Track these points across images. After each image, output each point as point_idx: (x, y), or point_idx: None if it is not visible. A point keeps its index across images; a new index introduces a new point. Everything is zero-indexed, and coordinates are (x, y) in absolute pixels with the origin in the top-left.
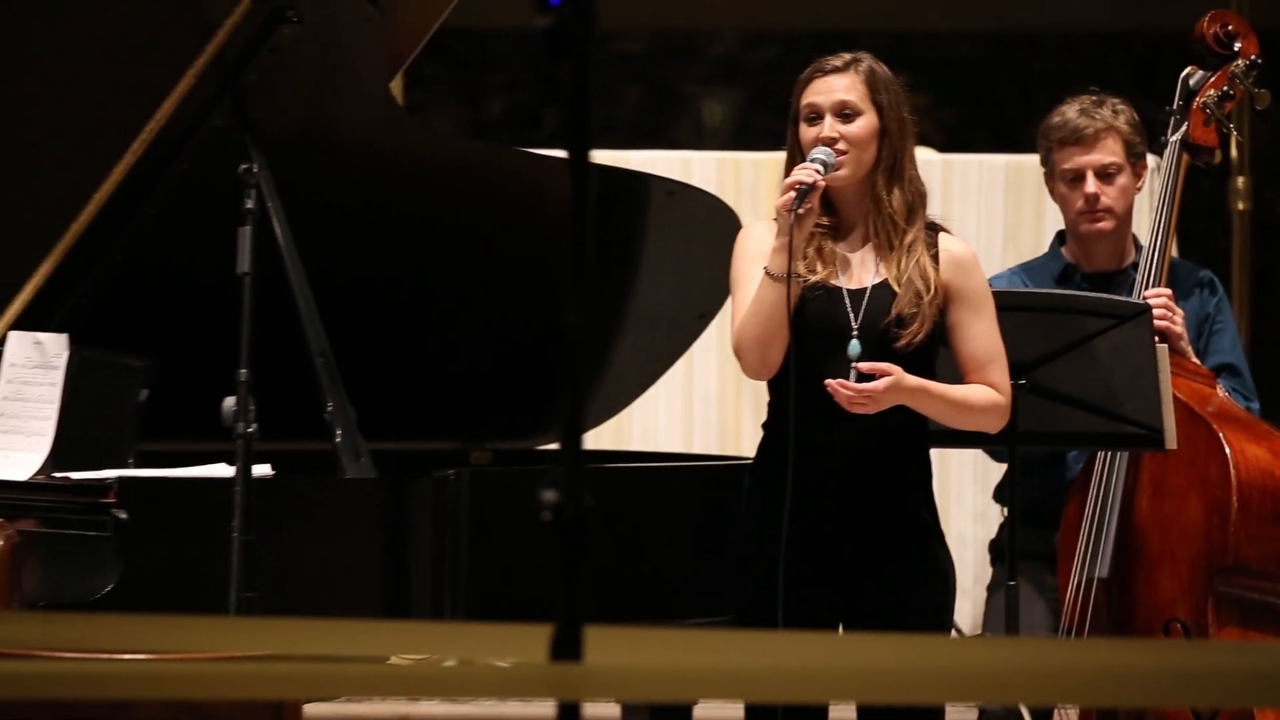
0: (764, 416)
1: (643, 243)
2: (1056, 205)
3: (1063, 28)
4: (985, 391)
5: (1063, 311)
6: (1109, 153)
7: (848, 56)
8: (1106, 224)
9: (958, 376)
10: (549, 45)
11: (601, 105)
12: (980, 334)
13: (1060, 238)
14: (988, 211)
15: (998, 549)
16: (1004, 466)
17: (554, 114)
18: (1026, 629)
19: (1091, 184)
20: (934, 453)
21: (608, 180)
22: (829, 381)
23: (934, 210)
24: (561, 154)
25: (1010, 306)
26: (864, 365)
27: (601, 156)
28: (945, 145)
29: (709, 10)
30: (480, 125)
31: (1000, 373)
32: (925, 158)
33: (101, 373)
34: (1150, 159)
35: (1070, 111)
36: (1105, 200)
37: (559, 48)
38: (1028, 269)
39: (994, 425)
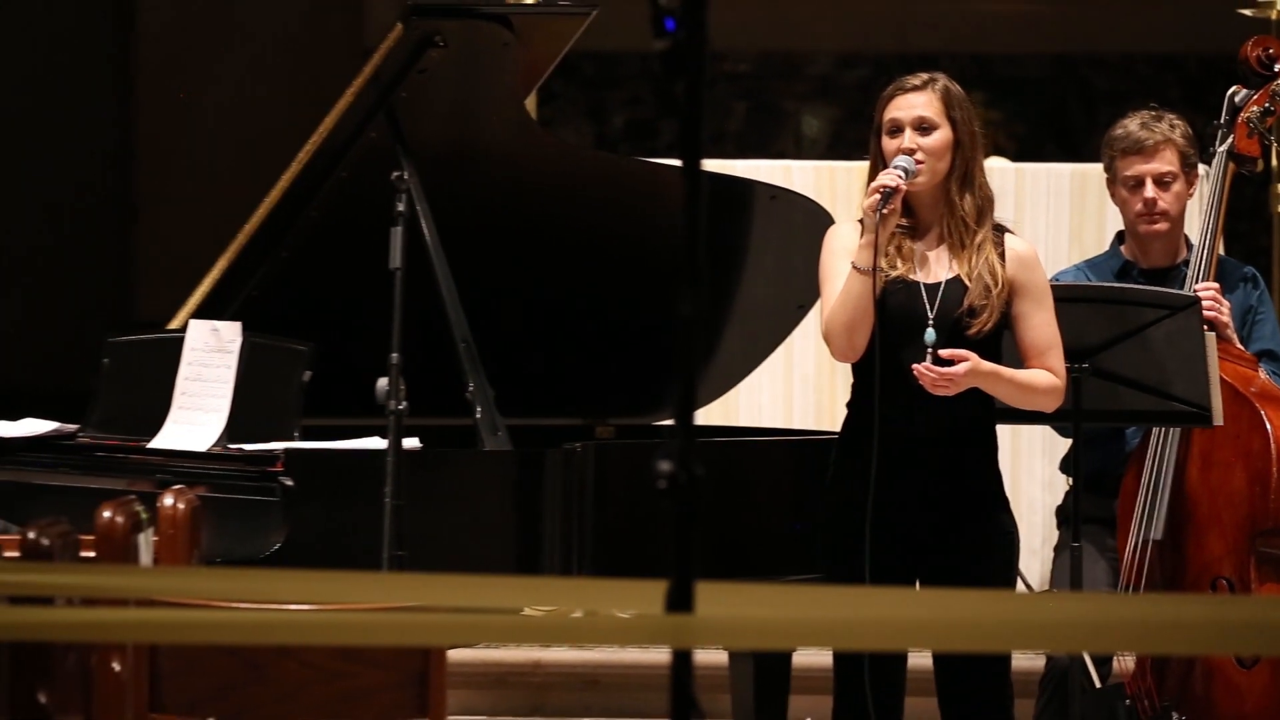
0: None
1: (748, 241)
2: (1117, 208)
3: (1122, 50)
4: (1046, 375)
5: (1122, 303)
6: (1166, 162)
7: (925, 76)
8: (1162, 225)
9: (1018, 361)
10: (666, 66)
11: (712, 119)
12: (1040, 324)
13: (1119, 237)
14: (1055, 214)
15: (1063, 514)
16: (1069, 441)
17: (670, 127)
18: (1089, 585)
19: (1150, 189)
20: (1007, 429)
21: (717, 186)
22: (916, 366)
23: (1007, 213)
24: (676, 162)
25: (1076, 299)
26: (945, 352)
27: (712, 165)
28: (1018, 155)
29: (807, 35)
30: (604, 137)
31: (1057, 359)
32: (1000, 166)
33: (270, 356)
34: (1200, 167)
35: (1132, 125)
36: (1162, 204)
37: (675, 68)
38: (1091, 265)
39: (1052, 405)
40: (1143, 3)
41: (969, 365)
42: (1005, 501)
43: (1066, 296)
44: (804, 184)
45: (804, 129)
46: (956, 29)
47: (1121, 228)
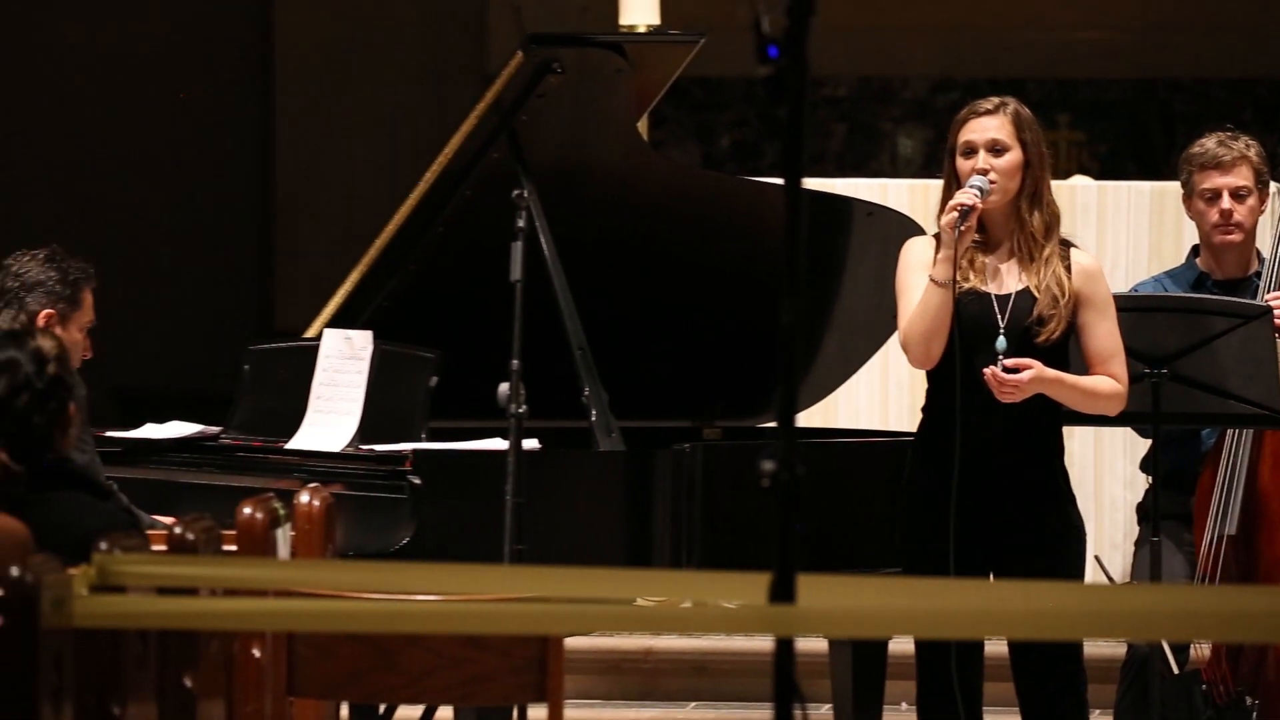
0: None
1: (846, 255)
2: (1193, 222)
3: (1198, 75)
4: (1108, 381)
5: (1198, 312)
6: (1242, 177)
7: (997, 100)
8: (1236, 236)
9: (1083, 368)
10: (769, 90)
11: (812, 140)
12: (1104, 333)
13: (1195, 250)
14: (1135, 230)
15: (1143, 510)
16: (1149, 441)
17: (773, 147)
18: (1167, 577)
19: (1226, 201)
20: (1089, 430)
21: (817, 203)
22: (987, 370)
23: (1090, 229)
24: (779, 181)
25: (1155, 308)
26: (1010, 361)
27: (812, 183)
28: (1100, 174)
29: (902, 61)
30: (711, 157)
31: (1120, 366)
32: (1083, 184)
33: (399, 363)
34: (1272, 185)
35: (1210, 142)
36: (1237, 216)
37: (778, 92)
38: (1169, 276)
39: (1115, 409)
40: (1217, 30)
41: (1033, 373)
42: (1072, 497)
43: (1146, 306)
44: (899, 201)
45: (899, 149)
46: (1043, 55)
47: (1197, 241)
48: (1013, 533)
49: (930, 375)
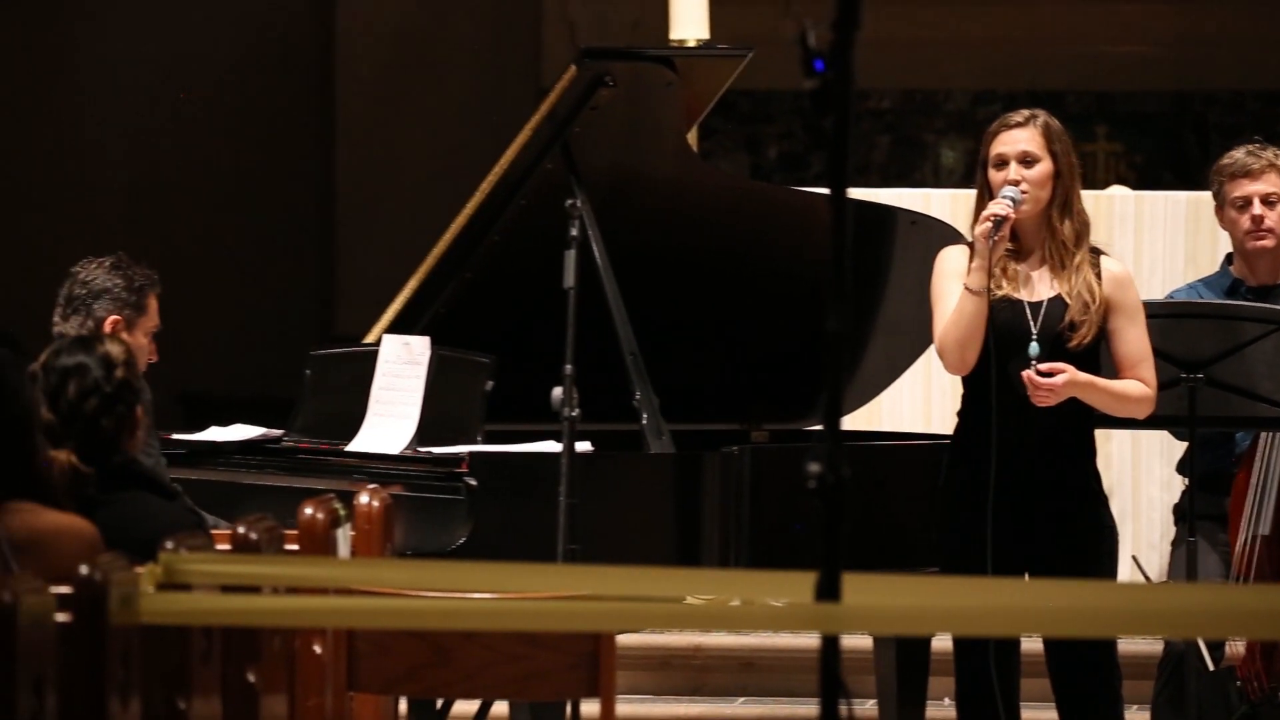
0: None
1: (890, 262)
2: (1226, 231)
3: (1233, 88)
4: (1138, 385)
5: (1232, 319)
6: (1271, 184)
7: (1027, 113)
8: (1269, 241)
9: (1113, 372)
10: (815, 103)
11: (857, 151)
12: (1133, 339)
13: (1229, 258)
14: (1171, 238)
15: (1179, 511)
16: (1185, 444)
17: (819, 158)
18: (1203, 576)
19: (1257, 208)
20: (1127, 434)
21: (862, 212)
22: (1024, 372)
23: (1128, 238)
24: (825, 191)
25: (1190, 314)
26: (1044, 366)
27: (857, 193)
28: (1138, 184)
29: (944, 75)
30: (759, 168)
31: (1149, 370)
32: (1120, 194)
33: (455, 368)
34: None
35: (1239, 153)
36: (1268, 222)
37: (823, 105)
38: (1204, 283)
39: (1144, 412)
40: (1251, 45)
41: (1067, 376)
42: (1104, 499)
43: (1182, 313)
44: (941, 210)
45: (941, 160)
46: (1081, 69)
47: (1230, 250)
48: (1046, 533)
49: (965, 381)
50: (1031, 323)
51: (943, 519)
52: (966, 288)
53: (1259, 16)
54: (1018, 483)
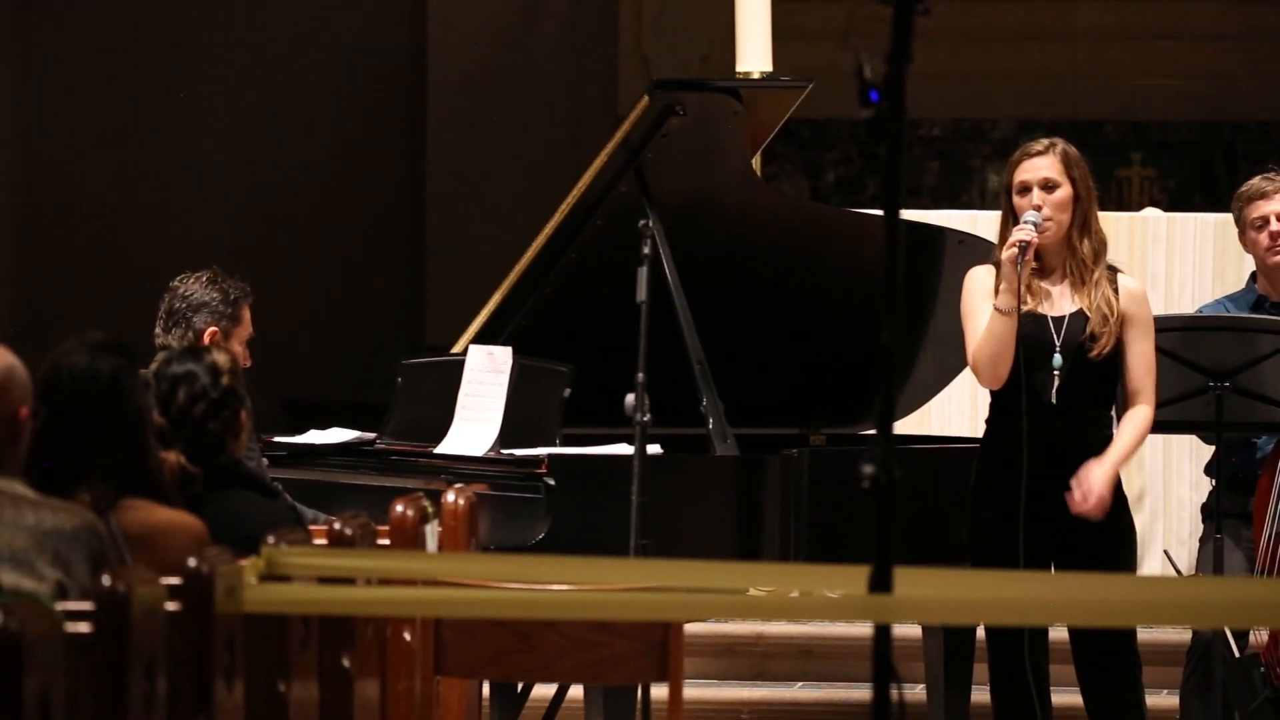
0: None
1: (940, 278)
2: (1249, 253)
3: (1259, 118)
4: (1141, 425)
5: (1257, 331)
6: None
7: (1047, 142)
8: None
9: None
10: (871, 130)
11: (909, 176)
12: (1142, 352)
13: (1254, 277)
14: (1201, 257)
15: (1206, 510)
16: (1212, 447)
17: (874, 182)
18: (1228, 571)
19: (1275, 224)
20: (1158, 438)
21: (914, 232)
22: (1071, 500)
23: (1160, 257)
24: (879, 212)
25: (1218, 327)
26: (1077, 494)
27: (909, 214)
28: (1169, 206)
29: (991, 104)
30: (818, 191)
31: (1150, 382)
32: (1154, 215)
33: (536, 376)
34: None
35: (1255, 180)
36: None
37: (878, 132)
38: (1231, 299)
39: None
40: (1276, 79)
41: (1098, 489)
42: (1124, 499)
43: (1210, 326)
44: (987, 230)
45: (988, 184)
46: (1119, 99)
47: (1254, 269)
48: (1070, 531)
49: (993, 390)
50: (1054, 336)
51: (973, 517)
52: (996, 308)
53: None
54: (1044, 484)
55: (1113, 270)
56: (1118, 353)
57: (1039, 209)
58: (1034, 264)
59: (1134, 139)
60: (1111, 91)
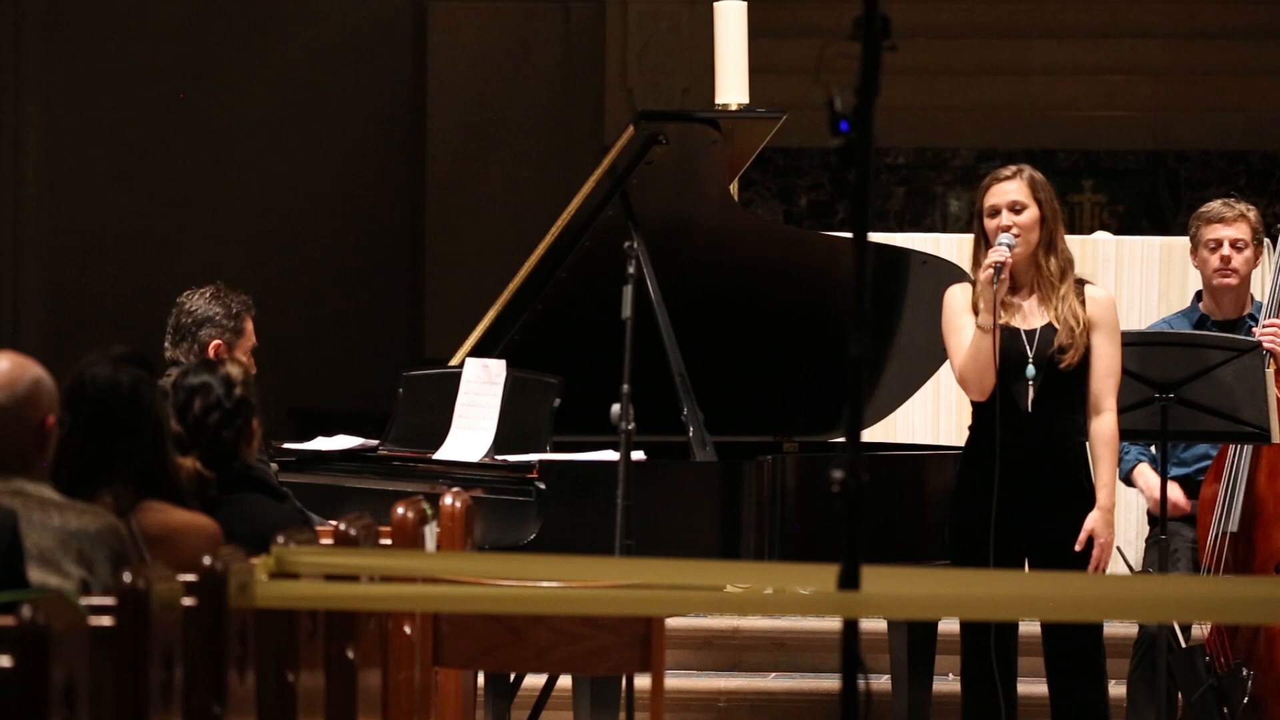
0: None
1: (904, 296)
2: (1197, 270)
3: (1201, 148)
4: (1111, 444)
5: (1200, 346)
6: (1241, 231)
7: (1014, 168)
8: (1233, 280)
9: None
10: (841, 158)
11: (876, 200)
12: (1107, 355)
13: (1198, 295)
14: (1147, 278)
15: (1151, 516)
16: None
17: (844, 206)
18: (1173, 569)
19: (1227, 249)
20: None
21: (880, 253)
22: (1090, 565)
23: (1109, 277)
24: (848, 235)
25: (1164, 343)
26: (1081, 541)
27: (877, 236)
28: (1118, 230)
29: (952, 134)
30: (791, 214)
31: (1111, 385)
32: (1104, 239)
33: (528, 387)
34: (1266, 241)
35: (1216, 203)
36: (1234, 263)
37: (848, 160)
38: (1177, 316)
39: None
40: (1217, 111)
41: (1101, 536)
42: (1094, 498)
43: (1157, 341)
44: (948, 251)
45: (949, 209)
46: (1071, 130)
47: (1199, 288)
48: (1045, 529)
49: (972, 401)
50: (1027, 348)
51: (954, 517)
52: (978, 326)
53: (1223, 89)
54: (1021, 483)
55: (1081, 283)
56: (1086, 362)
57: (1009, 230)
58: (1006, 282)
59: (1085, 167)
60: (1064, 123)
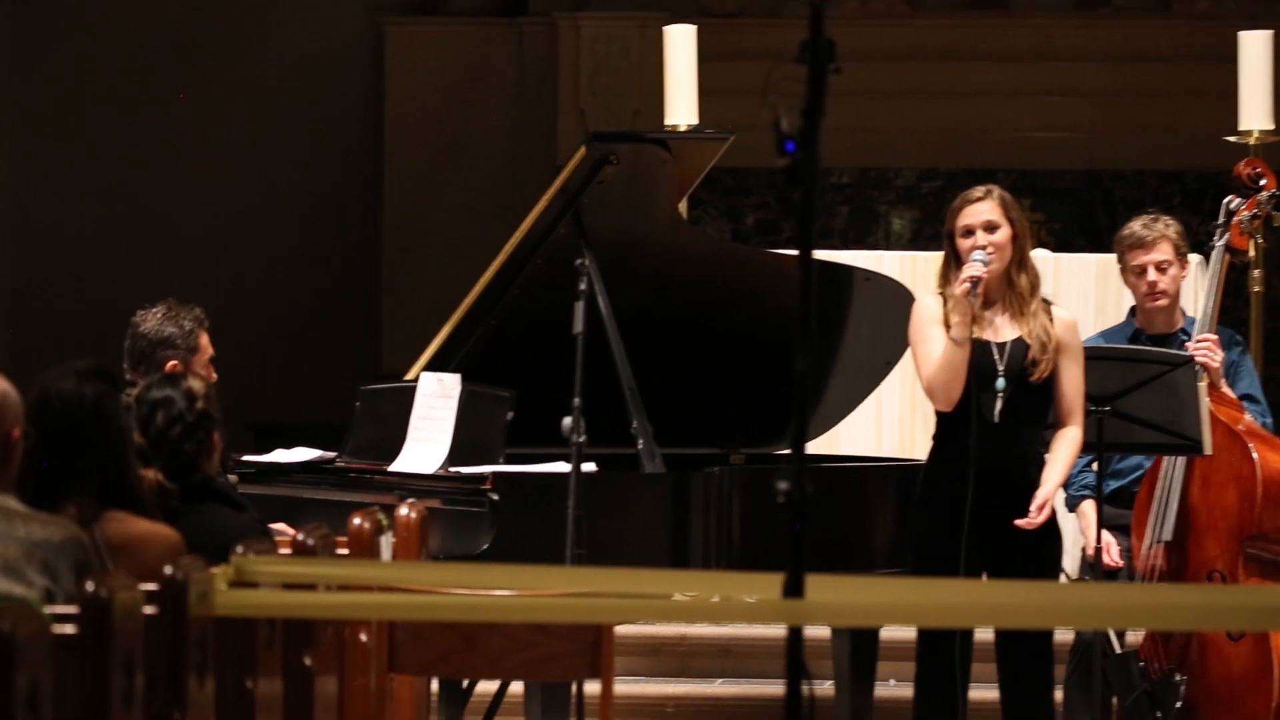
0: (931, 432)
1: (848, 312)
2: (1129, 289)
3: (1136, 167)
4: (1072, 440)
5: (1135, 361)
6: (1163, 252)
7: (984, 189)
8: (1163, 301)
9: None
10: (786, 178)
11: (821, 219)
12: (1074, 379)
13: (1133, 311)
14: (1084, 294)
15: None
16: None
17: (789, 224)
18: (1108, 577)
19: (1152, 274)
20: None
21: (825, 270)
22: (1022, 524)
23: (1047, 293)
24: (793, 252)
25: (1100, 357)
26: (1021, 521)
27: (821, 254)
28: (1055, 248)
29: (895, 155)
30: (739, 233)
31: (1080, 404)
32: (1042, 255)
33: (481, 400)
34: (1195, 257)
35: (1135, 225)
36: (1161, 285)
37: (793, 179)
38: (1113, 332)
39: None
40: (1151, 131)
41: (1045, 508)
42: (1055, 513)
43: (1094, 355)
44: (891, 269)
45: (892, 227)
46: (1010, 150)
47: (1133, 303)
48: (1004, 539)
49: (938, 412)
50: (997, 361)
51: (918, 526)
52: (952, 339)
53: (1156, 109)
54: (984, 492)
55: (1047, 303)
56: (1053, 377)
57: (983, 248)
58: (981, 296)
59: (1023, 186)
60: (1003, 143)
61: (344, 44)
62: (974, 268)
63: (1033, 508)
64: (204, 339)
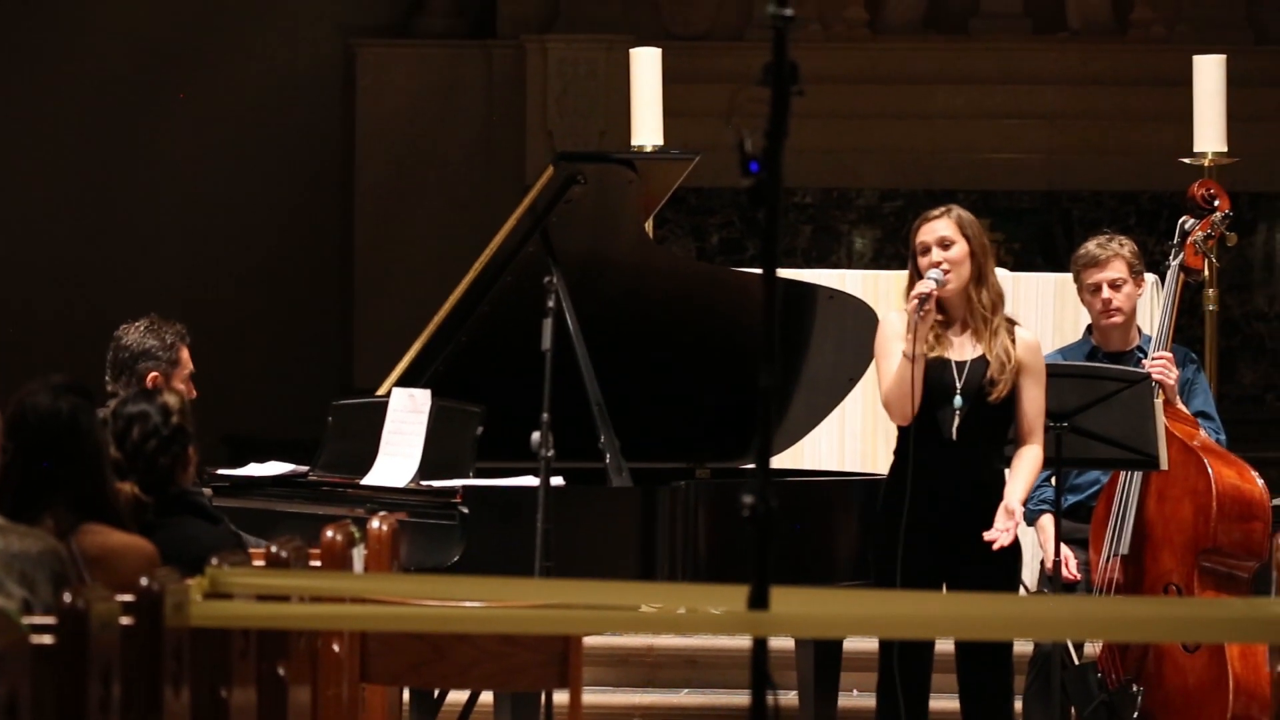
0: (893, 447)
1: (811, 329)
2: (1085, 307)
3: (1093, 189)
4: (1033, 456)
5: (1092, 378)
6: (1117, 270)
7: (943, 208)
8: (1118, 319)
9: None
10: (750, 198)
11: (785, 238)
12: (1034, 399)
13: (1089, 329)
14: (1042, 312)
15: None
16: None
17: (753, 243)
18: (1068, 590)
19: (1106, 292)
20: (1005, 470)
21: (789, 288)
22: (990, 537)
23: (1006, 311)
24: (757, 270)
25: (1058, 374)
26: (989, 534)
27: (785, 272)
28: (1014, 267)
29: (857, 175)
30: (704, 251)
31: (1041, 424)
32: (1002, 274)
33: (452, 415)
34: (1152, 276)
35: (1090, 245)
36: (1116, 303)
37: (757, 199)
38: (1070, 349)
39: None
40: (1108, 153)
41: (1011, 522)
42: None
43: (1053, 373)
44: (854, 287)
45: (854, 246)
46: (970, 171)
47: (1090, 322)
48: (965, 552)
49: (899, 427)
50: (957, 379)
51: (878, 539)
52: (904, 355)
53: (1113, 132)
54: (941, 508)
55: (1011, 323)
56: (1012, 397)
57: (938, 264)
58: (939, 315)
59: (983, 206)
60: (963, 164)
61: (316, 64)
62: (925, 284)
63: (997, 524)
64: (185, 354)
